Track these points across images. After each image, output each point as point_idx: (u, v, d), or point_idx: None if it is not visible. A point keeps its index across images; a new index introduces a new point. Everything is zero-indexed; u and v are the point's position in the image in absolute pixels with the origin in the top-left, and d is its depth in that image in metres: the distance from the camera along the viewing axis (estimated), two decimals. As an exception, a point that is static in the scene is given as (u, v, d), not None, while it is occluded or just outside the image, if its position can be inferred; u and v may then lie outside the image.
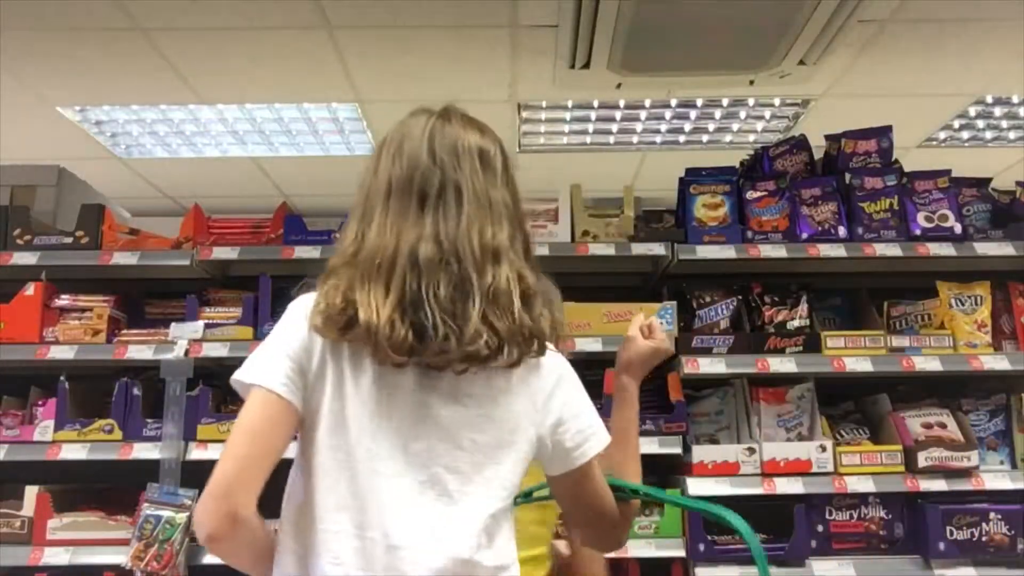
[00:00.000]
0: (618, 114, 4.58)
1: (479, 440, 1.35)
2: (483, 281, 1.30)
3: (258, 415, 1.28)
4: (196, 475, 2.63)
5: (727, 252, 2.77)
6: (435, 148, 1.37)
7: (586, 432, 1.44)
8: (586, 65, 3.46)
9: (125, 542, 2.54)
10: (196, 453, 2.65)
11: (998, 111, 4.58)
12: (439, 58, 3.84)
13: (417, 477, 1.31)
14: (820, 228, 2.83)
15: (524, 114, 4.53)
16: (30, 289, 2.80)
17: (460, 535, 1.32)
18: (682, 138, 4.91)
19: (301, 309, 1.35)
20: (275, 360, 1.31)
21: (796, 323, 2.80)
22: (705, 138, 4.92)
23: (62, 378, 2.76)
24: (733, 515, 1.47)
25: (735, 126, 4.76)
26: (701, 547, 2.57)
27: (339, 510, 1.29)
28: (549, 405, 1.42)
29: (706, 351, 2.71)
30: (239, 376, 1.31)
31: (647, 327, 1.70)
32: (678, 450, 2.66)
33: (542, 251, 2.77)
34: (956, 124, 4.72)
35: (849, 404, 2.96)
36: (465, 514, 1.33)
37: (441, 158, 1.36)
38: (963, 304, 2.81)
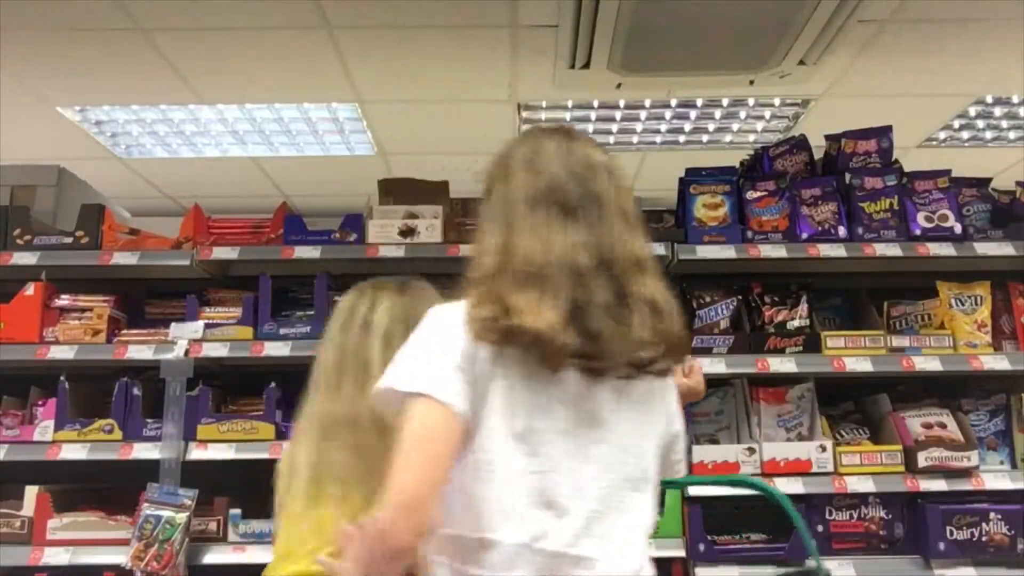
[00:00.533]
0: (618, 114, 4.58)
1: (644, 447, 1.37)
2: (636, 290, 1.33)
3: (431, 426, 1.24)
4: (196, 475, 2.64)
5: (727, 252, 2.77)
6: (569, 162, 1.39)
7: (684, 449, 1.50)
8: (586, 65, 3.46)
9: (125, 542, 2.54)
10: (196, 453, 2.65)
11: (998, 111, 4.57)
12: (439, 58, 3.84)
13: (599, 484, 1.30)
14: (820, 228, 2.83)
15: (524, 114, 4.53)
16: (30, 289, 2.80)
17: (636, 545, 1.32)
18: (682, 138, 4.91)
19: (453, 317, 1.31)
20: (441, 370, 1.27)
21: (796, 323, 2.80)
22: (705, 138, 4.92)
23: (62, 378, 2.76)
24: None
25: (735, 126, 4.76)
26: (701, 547, 2.57)
27: (515, 521, 1.26)
28: (675, 418, 1.46)
29: (706, 351, 2.71)
30: (397, 385, 1.27)
31: (688, 367, 1.74)
32: (678, 450, 2.65)
33: (542, 251, 2.76)
34: (956, 124, 4.72)
35: (849, 404, 2.96)
36: (637, 522, 1.33)
37: (577, 172, 1.38)
38: (963, 304, 2.81)
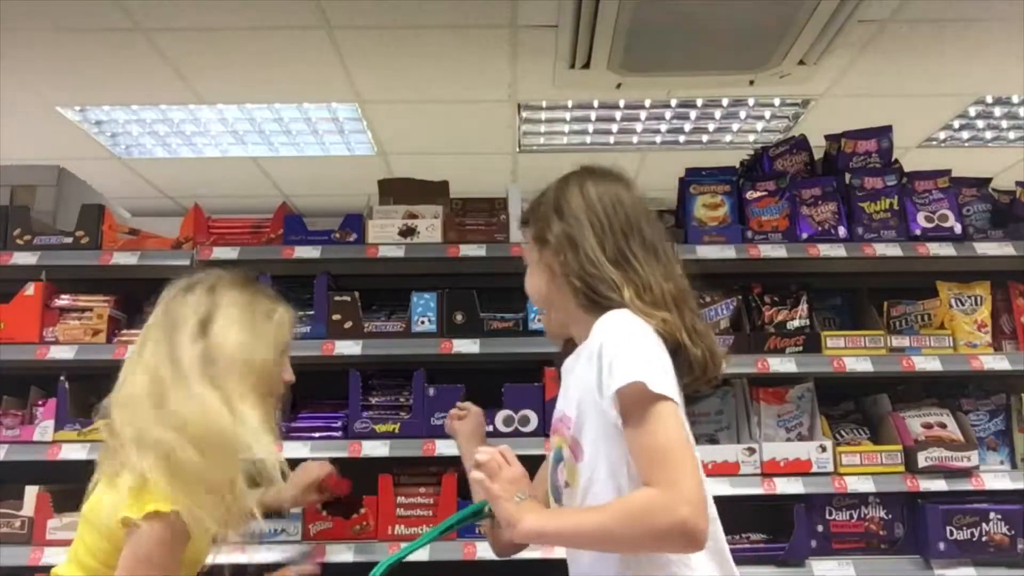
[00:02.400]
0: (618, 114, 4.59)
1: None
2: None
3: (685, 433, 1.41)
4: (196, 475, 2.63)
5: (727, 252, 2.77)
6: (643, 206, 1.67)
7: None
8: (586, 65, 3.46)
9: (125, 542, 2.54)
10: (196, 453, 2.65)
11: (998, 111, 4.58)
12: (439, 58, 3.84)
13: None
14: (820, 228, 2.83)
15: (524, 114, 4.53)
16: (30, 289, 2.79)
17: None
18: (682, 138, 4.92)
19: (646, 328, 1.47)
20: (670, 377, 1.43)
21: (796, 323, 2.80)
22: (705, 138, 4.92)
23: (62, 378, 2.75)
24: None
25: (735, 126, 4.77)
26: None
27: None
28: None
29: (706, 351, 2.70)
30: (653, 385, 1.38)
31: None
32: (678, 450, 2.65)
33: (542, 251, 2.76)
34: (956, 124, 4.73)
35: (849, 404, 2.96)
36: None
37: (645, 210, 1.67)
38: (963, 304, 2.82)
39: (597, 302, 1.52)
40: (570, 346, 1.72)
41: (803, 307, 2.83)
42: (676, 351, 1.49)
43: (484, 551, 2.51)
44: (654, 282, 1.54)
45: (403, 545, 1.67)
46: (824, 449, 2.62)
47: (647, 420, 1.36)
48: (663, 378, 1.40)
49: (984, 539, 2.57)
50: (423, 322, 2.73)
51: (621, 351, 1.42)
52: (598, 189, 1.63)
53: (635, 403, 1.38)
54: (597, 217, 1.59)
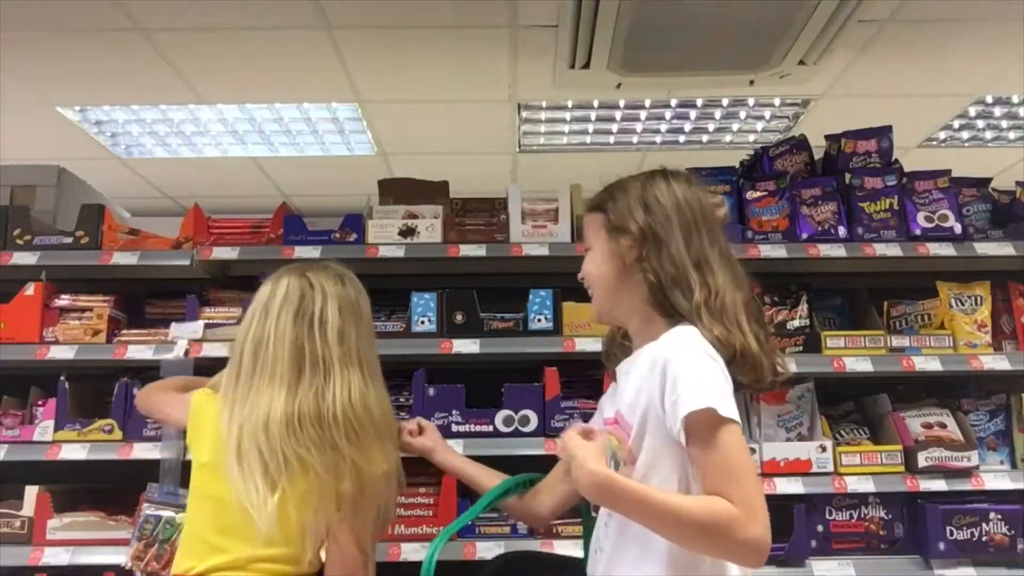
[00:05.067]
0: (618, 114, 4.59)
1: None
2: None
3: (747, 451, 1.44)
4: (196, 475, 2.63)
5: (727, 252, 2.77)
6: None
7: None
8: (586, 65, 3.46)
9: (125, 542, 2.53)
10: (196, 453, 2.65)
11: (998, 111, 4.58)
12: (439, 58, 3.85)
13: None
14: (820, 228, 2.83)
15: (524, 114, 4.54)
16: (30, 289, 2.79)
17: None
18: (682, 138, 4.92)
19: (711, 350, 1.50)
20: (733, 399, 1.46)
21: (796, 323, 2.80)
22: (705, 138, 4.93)
23: (62, 378, 2.75)
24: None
25: (735, 126, 4.77)
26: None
27: None
28: None
29: (706, 351, 2.70)
30: (723, 411, 1.42)
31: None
32: (678, 450, 2.65)
33: (542, 251, 2.77)
34: (956, 124, 4.73)
35: (849, 404, 2.96)
36: None
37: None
38: (963, 304, 2.82)
39: (667, 302, 1.56)
40: (613, 334, 1.77)
41: (803, 307, 2.82)
42: (731, 360, 1.52)
43: (484, 551, 2.51)
44: (727, 291, 1.57)
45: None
46: (824, 449, 2.62)
47: (718, 443, 1.41)
48: (729, 402, 1.44)
49: (984, 539, 2.57)
50: (423, 322, 2.74)
51: (690, 375, 1.45)
52: (685, 191, 1.69)
53: (705, 427, 1.42)
54: (685, 218, 1.63)
